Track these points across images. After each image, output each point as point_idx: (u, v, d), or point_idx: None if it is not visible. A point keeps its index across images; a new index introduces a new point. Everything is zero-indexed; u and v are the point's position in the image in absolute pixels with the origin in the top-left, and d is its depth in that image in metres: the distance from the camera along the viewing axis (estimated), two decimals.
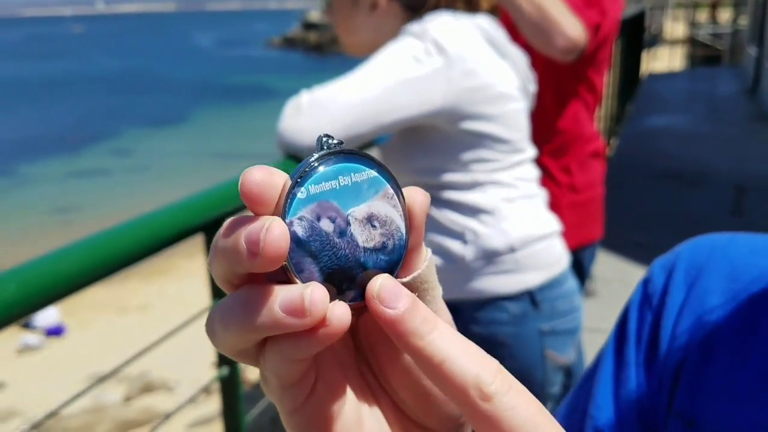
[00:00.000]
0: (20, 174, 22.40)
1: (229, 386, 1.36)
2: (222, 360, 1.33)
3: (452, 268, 1.49)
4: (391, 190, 0.39)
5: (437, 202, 1.48)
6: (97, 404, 8.17)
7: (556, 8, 1.82)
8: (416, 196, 0.39)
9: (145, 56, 72.81)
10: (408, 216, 0.39)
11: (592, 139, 2.26)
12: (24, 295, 0.79)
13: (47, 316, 10.84)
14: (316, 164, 0.37)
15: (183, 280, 13.59)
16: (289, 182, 0.36)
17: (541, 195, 1.60)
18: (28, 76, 54.41)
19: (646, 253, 4.95)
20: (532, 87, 1.59)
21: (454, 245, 1.48)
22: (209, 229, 1.29)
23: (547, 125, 2.09)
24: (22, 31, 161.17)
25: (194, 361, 9.31)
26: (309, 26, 74.55)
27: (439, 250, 1.49)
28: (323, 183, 0.36)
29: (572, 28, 1.81)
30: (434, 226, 1.49)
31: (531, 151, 1.57)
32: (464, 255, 1.47)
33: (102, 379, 1.58)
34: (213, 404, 8.57)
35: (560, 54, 1.85)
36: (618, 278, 4.00)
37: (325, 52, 71.30)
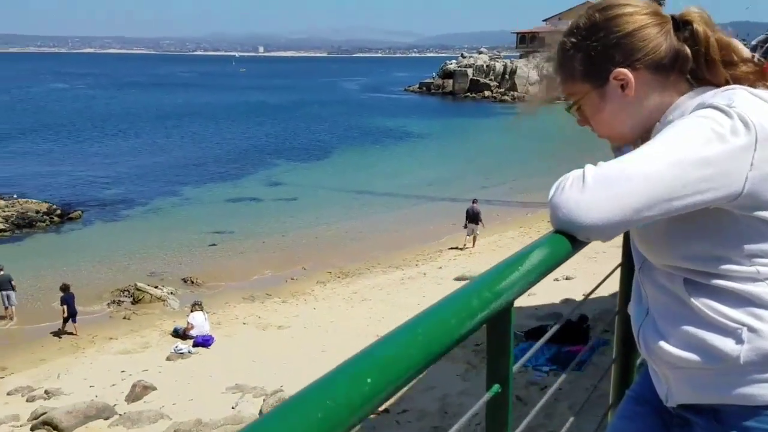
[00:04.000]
0: (185, 195, 24.00)
1: (499, 407, 1.16)
2: (493, 378, 1.14)
3: (719, 368, 1.25)
4: None
5: (706, 291, 1.25)
6: (237, 416, 8.35)
7: None
8: None
9: (297, 96, 76.71)
10: None
11: None
12: (379, 385, 0.66)
13: (199, 326, 11.33)
14: None
15: (316, 303, 13.87)
16: None
17: None
18: (197, 106, 58.95)
19: None
20: None
21: (724, 343, 1.23)
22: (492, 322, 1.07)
23: None
24: (194, 68, 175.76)
25: None
26: (446, 75, 75.58)
27: (701, 347, 1.26)
28: None
29: None
30: (699, 318, 1.26)
31: None
32: (738, 355, 1.23)
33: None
34: None
35: None
36: None
37: (459, 98, 72.22)
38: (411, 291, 13.18)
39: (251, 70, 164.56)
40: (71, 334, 12.14)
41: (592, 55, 1.32)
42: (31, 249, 17.56)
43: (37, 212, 19.72)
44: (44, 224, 19.26)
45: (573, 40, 1.35)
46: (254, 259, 16.83)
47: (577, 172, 1.17)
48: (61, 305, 12.14)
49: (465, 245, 17.06)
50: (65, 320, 12.22)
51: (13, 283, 12.93)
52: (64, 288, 12.36)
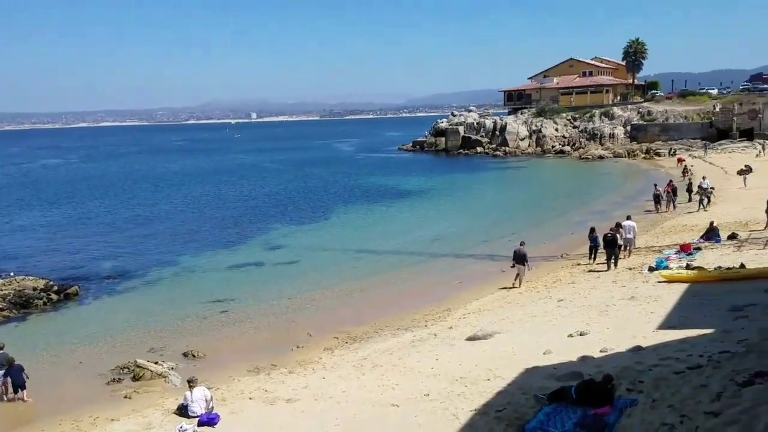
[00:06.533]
0: (184, 264, 23.59)
1: None
2: None
3: None
4: None
5: None
6: None
7: None
8: None
9: (294, 158, 77.23)
10: None
11: None
12: None
13: (198, 403, 10.79)
14: None
15: (324, 372, 13.30)
16: None
17: None
18: (194, 172, 59.11)
19: None
20: None
21: None
22: None
23: None
24: (188, 136, 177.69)
25: None
26: (439, 133, 76.41)
27: None
28: None
29: None
30: None
31: None
32: None
33: None
34: None
35: None
36: None
37: (452, 155, 72.65)
38: (423, 354, 12.70)
39: (245, 135, 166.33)
40: (22, 400, 12.34)
41: None
42: (30, 330, 17.06)
43: (35, 289, 19.28)
44: (41, 302, 18.80)
45: None
46: (257, 327, 16.36)
47: None
48: (4, 379, 12.38)
49: (513, 285, 18.34)
50: (14, 391, 12.42)
51: (17, 363, 12.51)
52: (9, 362, 12.43)
